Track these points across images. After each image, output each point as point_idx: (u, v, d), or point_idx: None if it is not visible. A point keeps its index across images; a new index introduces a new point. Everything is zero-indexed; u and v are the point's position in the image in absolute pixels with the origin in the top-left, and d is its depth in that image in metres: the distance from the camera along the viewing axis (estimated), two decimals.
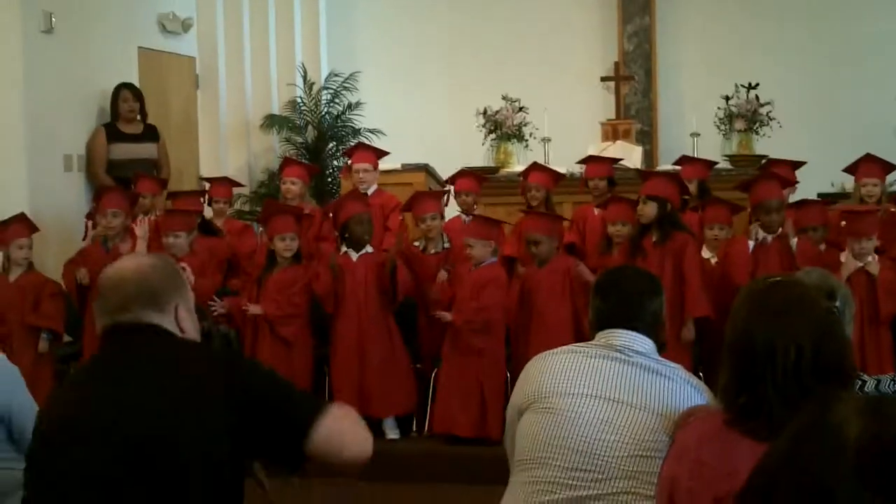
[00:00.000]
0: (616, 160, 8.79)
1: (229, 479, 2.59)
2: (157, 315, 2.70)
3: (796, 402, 2.27)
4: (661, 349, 3.40)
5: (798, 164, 8.02)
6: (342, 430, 2.62)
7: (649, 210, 6.92)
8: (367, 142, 10.14)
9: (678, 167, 8.27)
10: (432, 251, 7.53)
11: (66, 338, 7.94)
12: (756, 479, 1.29)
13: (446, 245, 7.61)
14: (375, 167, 8.46)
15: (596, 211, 8.00)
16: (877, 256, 6.76)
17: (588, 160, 8.52)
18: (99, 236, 7.89)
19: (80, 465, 2.54)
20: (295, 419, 2.59)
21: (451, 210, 8.42)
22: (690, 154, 9.11)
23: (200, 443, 2.52)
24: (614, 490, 3.01)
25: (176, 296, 2.77)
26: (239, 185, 9.46)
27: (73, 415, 2.63)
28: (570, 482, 3.04)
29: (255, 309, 7.12)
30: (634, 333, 3.29)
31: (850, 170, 7.94)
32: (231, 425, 2.54)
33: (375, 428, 6.97)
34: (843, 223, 7.11)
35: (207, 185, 9.07)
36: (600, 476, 3.03)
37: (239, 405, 2.55)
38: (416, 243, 7.55)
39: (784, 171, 7.66)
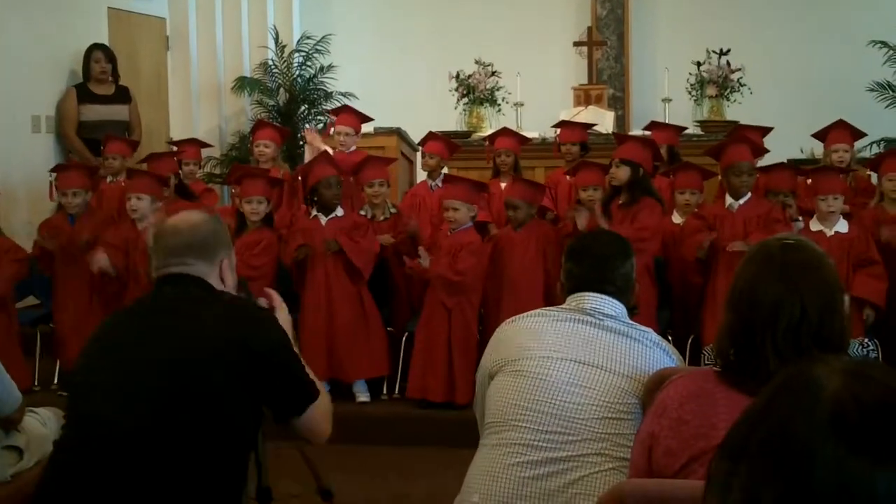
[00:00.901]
0: (590, 125, 8.79)
1: (239, 418, 2.99)
2: (205, 266, 3.15)
3: (791, 361, 2.26)
4: (633, 312, 3.42)
5: (766, 131, 8.05)
6: (320, 418, 3.19)
7: (622, 173, 6.96)
8: (348, 104, 10.08)
9: (647, 132, 8.30)
10: (381, 218, 7.52)
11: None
12: (731, 435, 1.29)
13: (392, 211, 7.61)
14: (357, 131, 8.46)
15: (568, 176, 8.02)
16: (847, 222, 6.81)
17: (561, 125, 8.53)
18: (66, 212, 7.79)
19: (111, 381, 2.97)
20: (294, 398, 3.13)
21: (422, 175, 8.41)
22: (661, 120, 9.12)
23: (217, 382, 2.93)
24: (584, 451, 3.03)
25: (223, 251, 3.22)
26: (207, 145, 9.36)
27: (115, 340, 3.09)
28: (541, 444, 3.06)
29: None
30: (605, 297, 3.31)
31: (820, 136, 7.98)
32: (244, 379, 2.96)
33: (346, 391, 6.99)
34: (809, 181, 7.14)
35: (175, 149, 8.98)
36: (571, 438, 3.05)
37: (251, 370, 2.97)
38: (362, 212, 7.51)
39: (753, 137, 7.69)
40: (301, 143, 10.99)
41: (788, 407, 1.23)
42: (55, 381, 7.53)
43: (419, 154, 8.94)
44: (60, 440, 3.08)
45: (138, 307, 3.28)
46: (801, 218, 7.09)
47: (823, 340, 2.36)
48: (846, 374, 1.24)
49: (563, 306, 3.39)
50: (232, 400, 2.95)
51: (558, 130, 8.51)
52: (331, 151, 8.36)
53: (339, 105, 10.08)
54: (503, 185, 7.91)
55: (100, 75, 9.47)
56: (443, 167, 8.32)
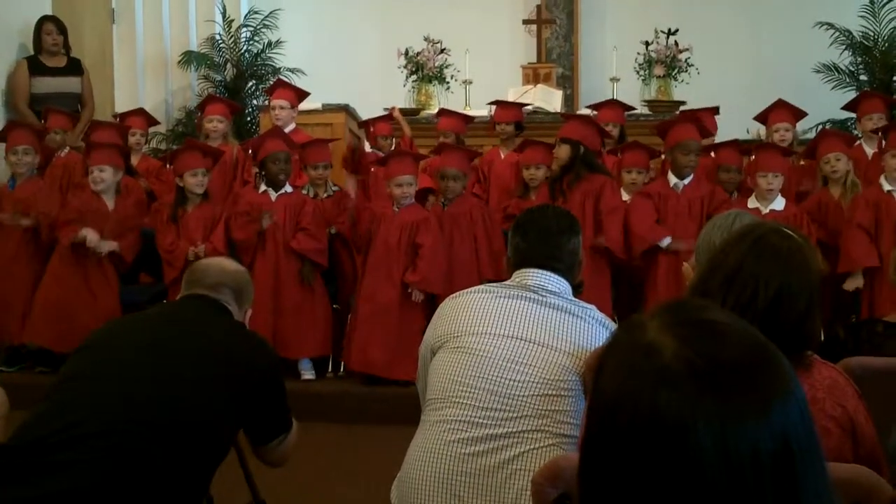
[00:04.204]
0: (524, 104, 8.79)
1: (221, 430, 3.13)
2: (234, 305, 3.45)
3: None
4: (578, 290, 3.41)
5: (713, 111, 8.12)
6: (286, 450, 3.44)
7: (562, 152, 7.00)
8: (286, 80, 10.03)
9: (593, 112, 8.34)
10: (323, 196, 7.55)
11: None
12: (592, 425, 1.24)
13: (334, 189, 7.67)
14: (293, 105, 8.42)
15: (502, 154, 8.07)
16: (784, 200, 6.86)
17: (496, 104, 8.53)
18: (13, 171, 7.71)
19: (112, 374, 3.06)
20: (272, 426, 3.36)
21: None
22: (609, 99, 9.14)
23: (214, 395, 3.07)
24: (524, 428, 3.03)
25: (249, 302, 3.57)
26: (155, 121, 9.27)
27: (130, 337, 3.24)
28: (481, 421, 3.05)
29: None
30: (549, 273, 3.30)
31: (761, 117, 8.04)
32: (237, 397, 3.14)
33: (291, 368, 6.97)
34: (752, 158, 7.19)
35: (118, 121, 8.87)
36: (510, 415, 3.05)
37: (247, 391, 3.17)
38: (304, 191, 7.51)
39: (706, 119, 7.73)
40: (248, 118, 10.91)
41: (636, 384, 1.18)
42: None
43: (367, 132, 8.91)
44: (50, 407, 3.03)
45: (161, 311, 3.61)
46: (736, 192, 7.15)
47: (777, 326, 2.33)
48: (671, 327, 1.21)
49: (507, 282, 3.38)
50: (222, 413, 3.09)
51: (493, 108, 8.52)
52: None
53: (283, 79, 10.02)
54: None
55: (51, 47, 9.34)
56: (391, 146, 8.33)
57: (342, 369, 7.18)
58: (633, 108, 8.83)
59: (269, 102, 8.71)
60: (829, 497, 1.19)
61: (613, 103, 8.47)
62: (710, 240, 3.17)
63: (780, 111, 7.88)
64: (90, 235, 7.06)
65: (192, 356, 3.13)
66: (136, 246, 7.38)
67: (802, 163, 7.73)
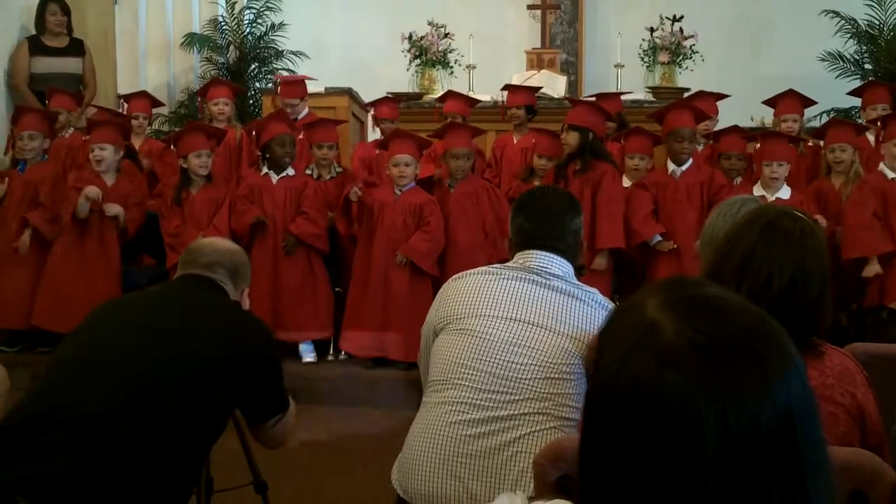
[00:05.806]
0: (537, 88, 8.76)
1: (216, 411, 3.09)
2: (230, 285, 3.43)
3: None
4: (580, 272, 3.40)
5: (721, 96, 8.08)
6: (284, 431, 3.38)
7: (571, 139, 6.98)
8: (291, 69, 10.01)
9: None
10: (327, 177, 7.54)
11: None
12: (593, 404, 1.23)
13: (339, 170, 7.67)
14: (303, 98, 8.40)
15: (515, 139, 8.04)
16: (790, 189, 6.85)
17: (507, 88, 8.49)
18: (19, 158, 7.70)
19: (106, 358, 3.02)
20: (267, 406, 3.30)
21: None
22: (614, 85, 9.12)
23: (207, 375, 3.03)
24: (526, 411, 3.02)
25: (245, 282, 3.55)
26: (159, 103, 9.25)
27: (125, 319, 3.21)
28: (483, 403, 3.05)
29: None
30: (553, 255, 3.29)
31: (770, 103, 7.99)
32: (231, 377, 3.09)
33: (292, 351, 6.96)
34: (758, 145, 7.17)
35: (125, 104, 8.83)
36: (512, 397, 3.04)
37: (242, 370, 3.11)
38: (308, 171, 7.50)
39: (706, 104, 7.70)
40: (251, 101, 10.88)
41: (638, 363, 1.16)
42: None
43: (370, 116, 8.89)
44: (38, 392, 3.00)
45: (156, 292, 3.54)
46: (740, 178, 7.14)
47: (790, 311, 2.33)
48: (670, 304, 1.19)
49: (510, 264, 3.36)
50: (216, 393, 3.06)
51: (504, 94, 8.49)
52: None
53: (289, 64, 10.01)
54: None
55: (55, 27, 9.33)
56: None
57: (343, 352, 7.17)
58: (630, 92, 8.79)
59: (276, 85, 8.69)
60: (828, 468, 1.18)
61: (609, 96, 8.40)
62: (714, 228, 3.17)
63: (789, 101, 7.78)
64: (93, 191, 7.04)
65: (186, 336, 3.09)
66: (139, 220, 7.35)
67: (811, 143, 7.69)
